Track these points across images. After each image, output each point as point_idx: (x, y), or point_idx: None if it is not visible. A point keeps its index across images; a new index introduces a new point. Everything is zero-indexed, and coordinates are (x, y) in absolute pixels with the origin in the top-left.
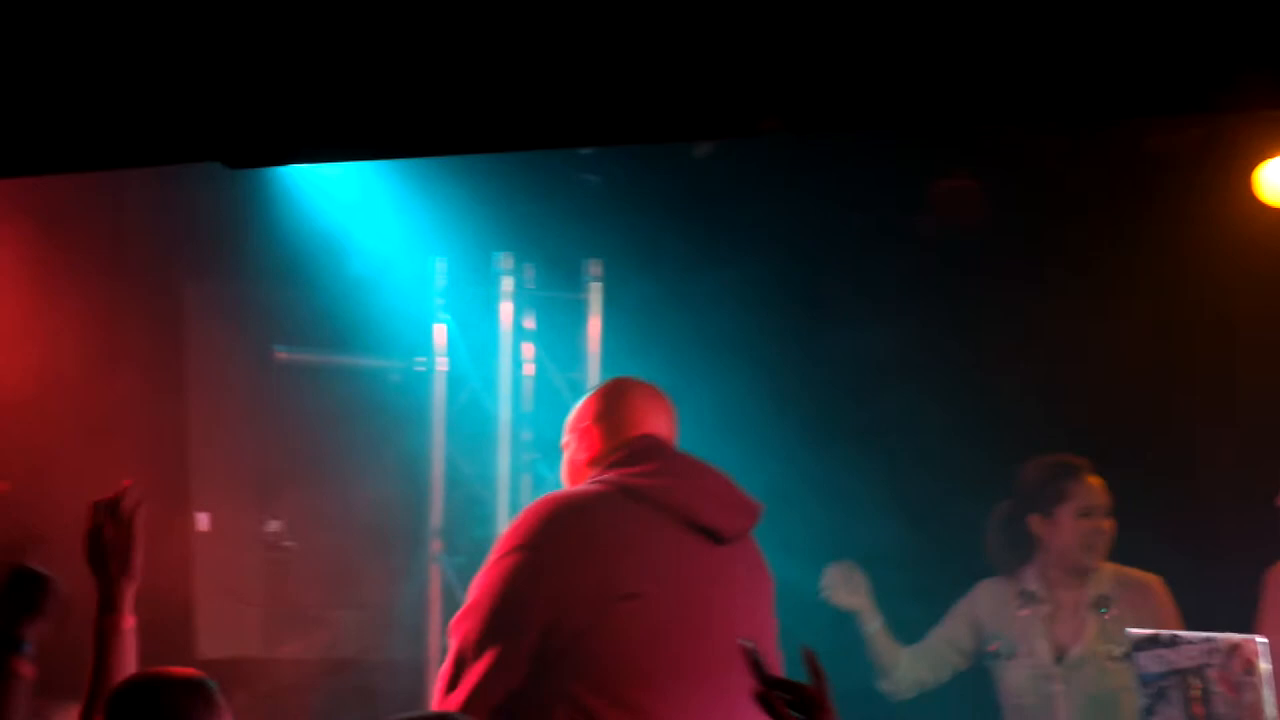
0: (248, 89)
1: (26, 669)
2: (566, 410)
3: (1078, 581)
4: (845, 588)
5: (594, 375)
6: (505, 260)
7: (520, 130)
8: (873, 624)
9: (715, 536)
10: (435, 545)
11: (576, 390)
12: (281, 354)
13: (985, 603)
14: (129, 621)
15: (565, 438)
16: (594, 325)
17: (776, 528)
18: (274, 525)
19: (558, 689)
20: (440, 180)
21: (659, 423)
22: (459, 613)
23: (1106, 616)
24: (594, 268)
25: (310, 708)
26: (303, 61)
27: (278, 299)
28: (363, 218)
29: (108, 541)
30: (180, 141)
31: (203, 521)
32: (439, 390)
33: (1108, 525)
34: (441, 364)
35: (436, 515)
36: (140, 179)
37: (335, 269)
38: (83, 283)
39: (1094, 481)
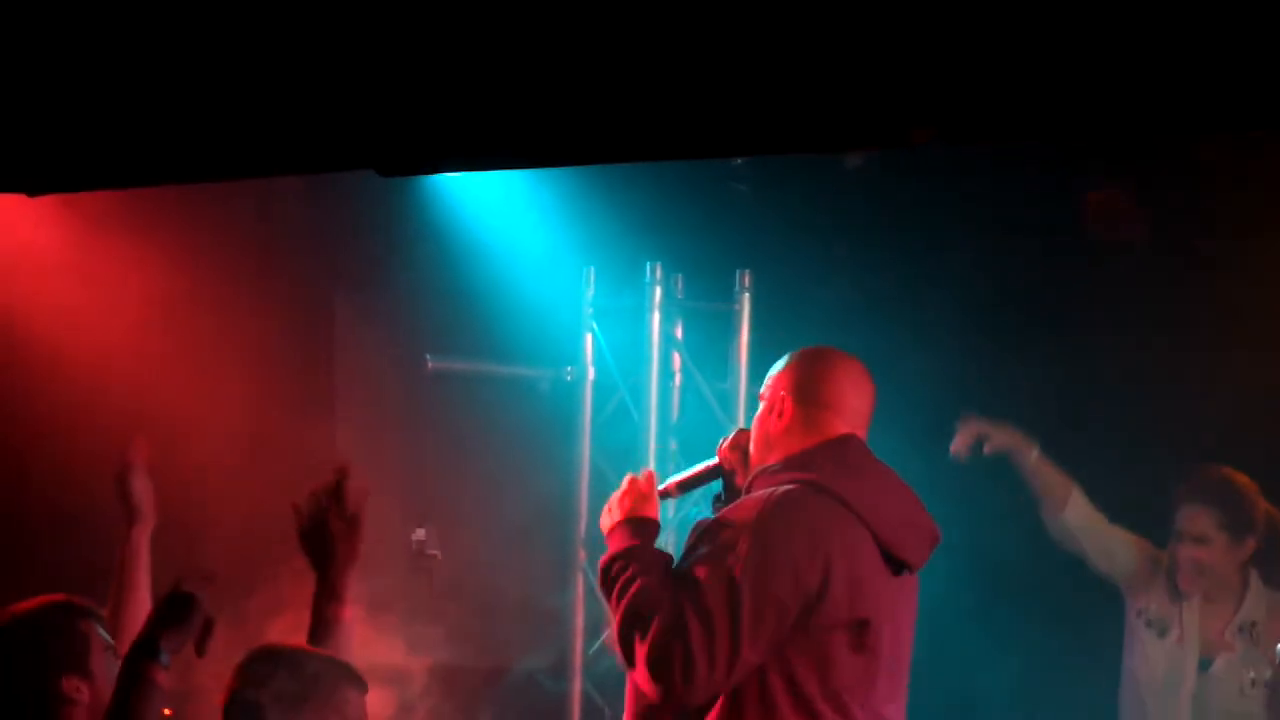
0: (402, 97)
1: (162, 677)
2: (714, 421)
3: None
4: (993, 430)
5: (743, 386)
6: (655, 270)
7: (672, 139)
8: (1030, 452)
9: (907, 568)
10: (580, 554)
11: (725, 401)
12: (432, 362)
13: (1152, 567)
14: (350, 611)
15: (764, 390)
16: (743, 336)
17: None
18: (420, 533)
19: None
20: (592, 189)
21: (861, 409)
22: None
23: (1251, 638)
24: (744, 278)
25: (455, 715)
26: (456, 69)
27: (429, 307)
28: (514, 226)
29: (334, 531)
30: (334, 149)
31: None
32: (587, 399)
33: None
34: (590, 373)
35: (582, 524)
36: (293, 186)
37: (486, 277)
38: (235, 289)
39: None
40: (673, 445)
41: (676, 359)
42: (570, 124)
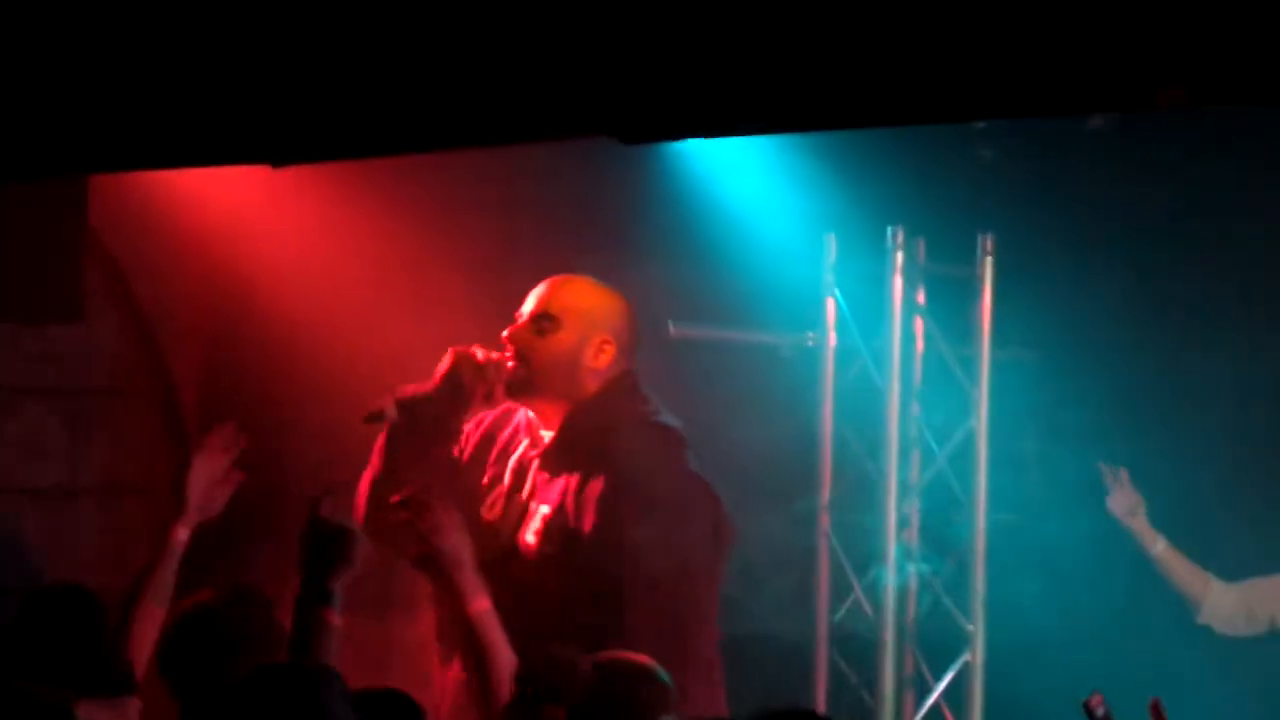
0: (644, 64)
1: (336, 619)
2: (957, 387)
3: None
4: (1124, 504)
5: (985, 352)
6: (897, 235)
7: (913, 104)
8: (1155, 545)
9: None
10: (824, 520)
11: (968, 366)
12: (675, 329)
13: None
14: (337, 617)
15: (558, 317)
16: (986, 301)
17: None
18: None
19: None
20: (833, 154)
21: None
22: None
23: None
24: (987, 243)
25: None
26: (700, 36)
27: (671, 274)
28: (753, 192)
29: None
30: (576, 116)
31: None
32: (829, 365)
33: None
34: (832, 339)
35: (825, 491)
36: (534, 154)
37: (728, 243)
38: (474, 259)
39: None
40: (915, 411)
41: (919, 324)
42: (812, 90)
